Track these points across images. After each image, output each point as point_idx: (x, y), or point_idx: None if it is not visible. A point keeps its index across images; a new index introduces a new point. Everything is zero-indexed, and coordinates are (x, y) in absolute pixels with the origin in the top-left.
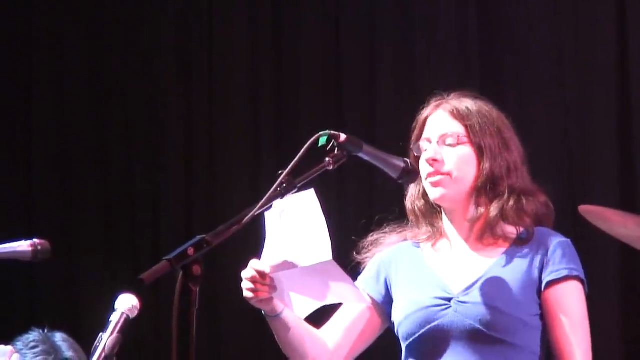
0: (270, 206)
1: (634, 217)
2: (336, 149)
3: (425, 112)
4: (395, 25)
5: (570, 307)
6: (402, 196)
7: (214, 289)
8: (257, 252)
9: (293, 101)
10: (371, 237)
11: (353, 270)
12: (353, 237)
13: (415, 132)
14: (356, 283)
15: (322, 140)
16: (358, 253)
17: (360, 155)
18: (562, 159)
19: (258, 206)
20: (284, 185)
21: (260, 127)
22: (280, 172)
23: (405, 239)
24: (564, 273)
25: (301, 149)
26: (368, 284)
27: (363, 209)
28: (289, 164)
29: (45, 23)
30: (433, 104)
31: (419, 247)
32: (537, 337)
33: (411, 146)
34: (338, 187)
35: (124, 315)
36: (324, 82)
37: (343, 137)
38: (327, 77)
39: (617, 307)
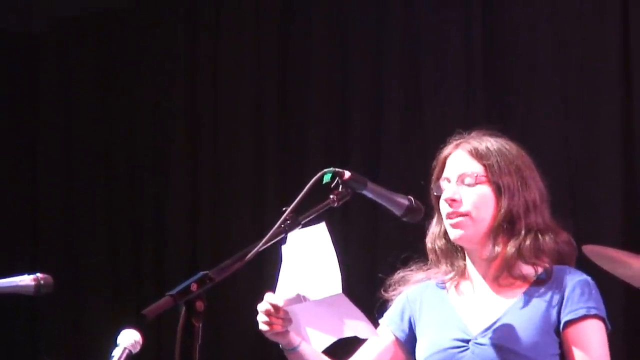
0: (279, 241)
1: (638, 257)
2: (340, 186)
3: (445, 151)
4: (402, 50)
5: (590, 346)
6: (408, 234)
7: (217, 324)
8: (256, 285)
9: (299, 136)
10: (397, 275)
11: (380, 307)
12: (380, 275)
13: (436, 171)
14: (381, 320)
15: (327, 178)
16: (385, 290)
17: (364, 192)
18: (565, 175)
19: (262, 242)
20: (288, 222)
21: (264, 164)
22: (284, 208)
23: (429, 278)
24: (583, 312)
25: (305, 185)
26: (393, 321)
27: (367, 244)
28: (293, 201)
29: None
30: (453, 143)
31: (443, 287)
32: None
33: (431, 185)
34: (342, 221)
35: (127, 351)
36: (328, 114)
37: (347, 174)
38: (332, 110)
39: (621, 347)
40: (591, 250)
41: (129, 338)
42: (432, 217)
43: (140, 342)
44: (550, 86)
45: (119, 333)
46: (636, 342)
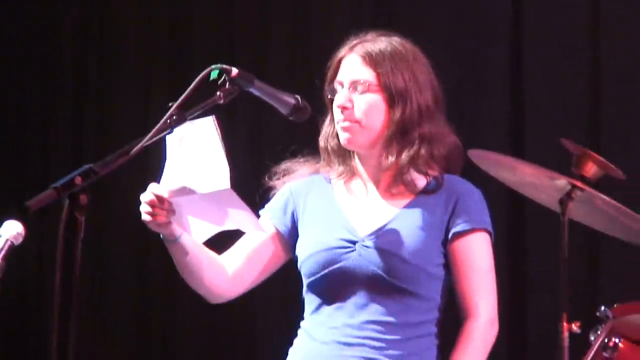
0: (165, 136)
1: (523, 162)
2: (227, 83)
3: (339, 54)
4: None
5: (476, 259)
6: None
7: (100, 219)
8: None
9: (185, 34)
10: (284, 165)
11: (263, 195)
12: (266, 162)
13: (330, 73)
14: (263, 211)
15: (214, 74)
16: (270, 178)
17: (251, 90)
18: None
19: (147, 137)
20: (174, 117)
21: (151, 59)
22: (170, 104)
23: (318, 172)
24: (471, 225)
25: (192, 82)
26: (275, 213)
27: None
28: (180, 97)
29: None
30: (347, 45)
31: (330, 183)
32: (438, 287)
33: (325, 86)
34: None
35: (8, 242)
36: (216, 16)
37: (235, 71)
38: (219, 11)
39: (503, 253)
40: (476, 155)
41: (11, 229)
42: (325, 116)
43: (23, 234)
44: None
45: (1, 224)
46: (518, 249)
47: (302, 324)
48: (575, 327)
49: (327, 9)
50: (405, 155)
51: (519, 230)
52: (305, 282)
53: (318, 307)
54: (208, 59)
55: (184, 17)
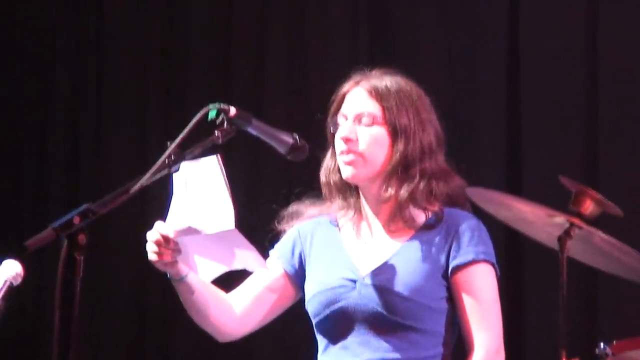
0: (163, 176)
1: (520, 199)
2: (225, 122)
3: (344, 88)
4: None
5: (478, 291)
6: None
7: (100, 259)
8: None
9: (182, 73)
10: (292, 208)
11: (273, 239)
12: (274, 206)
13: (333, 107)
14: (272, 251)
15: (212, 114)
16: (278, 222)
17: (249, 129)
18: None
19: (146, 176)
20: (172, 157)
21: (148, 98)
22: (168, 143)
23: (324, 213)
24: (471, 257)
25: (190, 121)
26: (283, 254)
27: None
28: (178, 136)
29: None
30: (353, 80)
31: (336, 224)
32: (442, 321)
33: (328, 120)
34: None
35: (7, 282)
36: (214, 54)
37: (233, 111)
38: (216, 49)
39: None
40: (474, 192)
41: (10, 270)
42: (326, 151)
43: (22, 274)
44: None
45: (0, 264)
46: (516, 286)
47: None
48: None
49: (327, 40)
50: (404, 190)
51: (517, 267)
52: (313, 322)
53: (325, 348)
54: (205, 96)
55: (180, 54)
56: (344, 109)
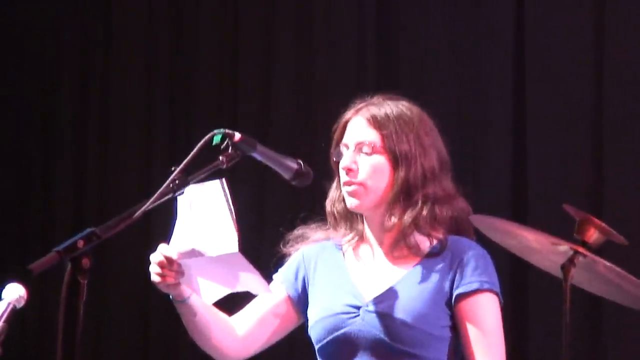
0: (167, 200)
1: (524, 227)
2: (230, 148)
3: (346, 116)
4: (294, 20)
5: (483, 320)
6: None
7: (103, 282)
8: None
9: (187, 97)
10: (298, 231)
11: (278, 262)
12: (280, 229)
13: (336, 136)
14: (275, 275)
15: (217, 139)
16: (284, 245)
17: (254, 155)
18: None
19: (150, 201)
20: (176, 181)
21: (153, 123)
22: (173, 168)
23: (329, 238)
24: (475, 286)
25: (195, 146)
26: (286, 277)
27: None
28: (182, 161)
29: None
30: (353, 108)
31: (340, 248)
32: (445, 349)
33: (331, 150)
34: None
35: (11, 305)
36: (219, 78)
37: (237, 136)
38: (223, 73)
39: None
40: (478, 220)
41: (14, 292)
42: (332, 180)
43: (25, 297)
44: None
45: (4, 287)
46: (520, 314)
47: None
48: None
49: (333, 64)
50: (407, 216)
51: (521, 295)
52: (315, 348)
53: None
54: (210, 121)
55: (185, 81)
56: (346, 138)
